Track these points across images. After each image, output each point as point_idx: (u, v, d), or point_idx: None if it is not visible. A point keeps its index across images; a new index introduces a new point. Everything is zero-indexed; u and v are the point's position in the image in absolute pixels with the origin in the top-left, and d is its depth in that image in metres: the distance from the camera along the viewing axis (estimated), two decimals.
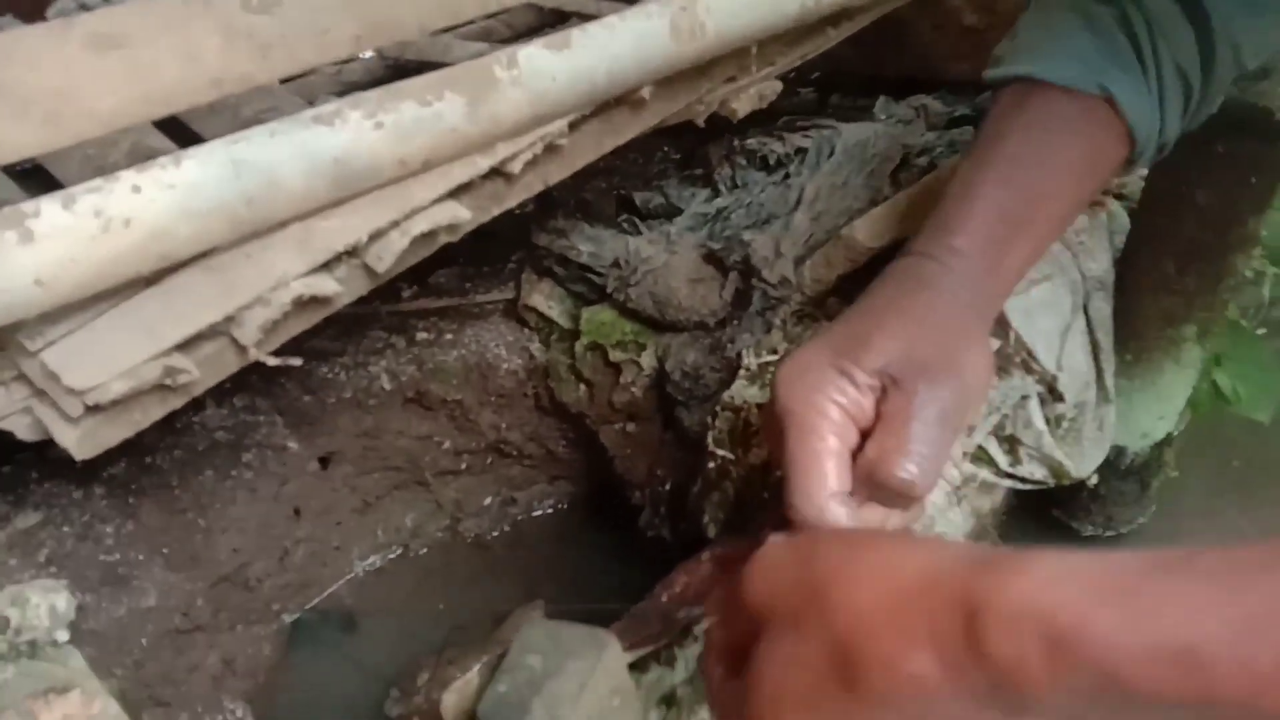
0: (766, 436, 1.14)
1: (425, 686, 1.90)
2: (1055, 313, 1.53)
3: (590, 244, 1.87)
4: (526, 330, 2.01)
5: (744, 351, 1.52)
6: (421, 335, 2.04)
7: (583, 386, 1.86)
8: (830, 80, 2.55)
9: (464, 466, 2.13)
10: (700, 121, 1.87)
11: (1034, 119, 1.05)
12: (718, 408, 1.46)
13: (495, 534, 2.18)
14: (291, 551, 1.90)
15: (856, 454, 0.89)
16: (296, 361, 1.39)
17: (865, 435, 0.91)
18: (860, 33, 2.00)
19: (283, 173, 1.21)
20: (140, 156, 1.45)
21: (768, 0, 1.61)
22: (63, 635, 1.41)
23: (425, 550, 2.15)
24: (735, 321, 1.58)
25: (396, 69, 1.85)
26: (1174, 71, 1.06)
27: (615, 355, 1.77)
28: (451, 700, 1.29)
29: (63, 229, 1.07)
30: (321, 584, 2.02)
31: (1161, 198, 1.56)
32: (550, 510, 2.22)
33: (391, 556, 2.13)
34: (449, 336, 2.05)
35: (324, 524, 1.97)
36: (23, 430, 1.29)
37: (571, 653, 1.21)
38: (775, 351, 1.52)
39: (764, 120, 2.19)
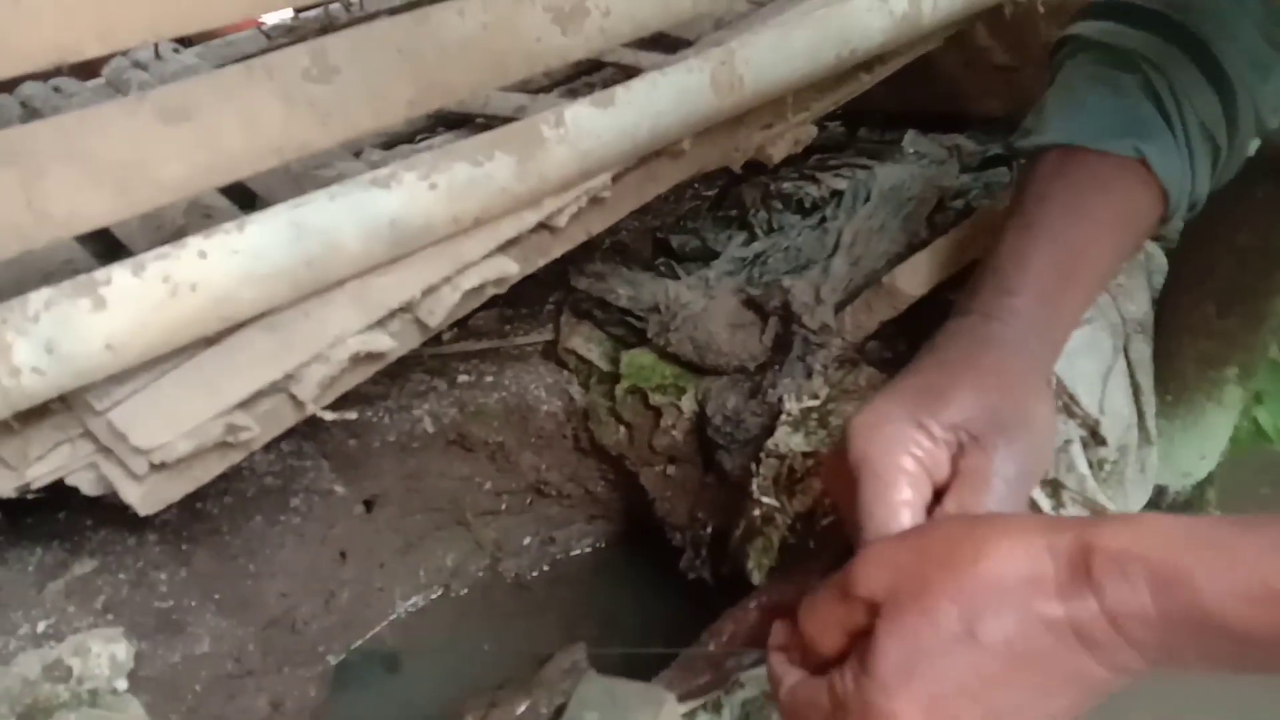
0: (830, 485, 1.15)
1: None
2: (1096, 356, 1.54)
3: (629, 287, 1.90)
4: (565, 372, 2.03)
5: (785, 397, 1.53)
6: (463, 378, 2.07)
7: (623, 429, 1.88)
8: (858, 115, 2.58)
9: (504, 507, 2.15)
10: (737, 167, 1.90)
11: (1074, 181, 1.09)
12: (762, 454, 1.48)
13: (535, 574, 2.20)
14: (337, 594, 1.92)
15: (930, 508, 0.91)
16: (352, 415, 1.42)
17: (937, 489, 0.90)
18: None
19: (341, 235, 1.25)
20: (199, 216, 1.49)
21: (804, 52, 1.64)
22: (122, 684, 1.44)
23: (466, 590, 2.17)
24: (776, 367, 1.60)
25: (439, 119, 1.90)
26: (1200, 132, 1.11)
27: (655, 399, 1.79)
28: None
29: (133, 295, 1.11)
30: (365, 625, 2.04)
31: (1201, 241, 1.56)
32: (589, 550, 2.24)
33: (433, 596, 2.15)
34: (489, 379, 2.08)
35: (368, 566, 2.00)
36: (87, 485, 1.33)
37: (629, 709, 1.22)
38: (816, 397, 1.54)
39: (795, 158, 2.22)
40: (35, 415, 1.25)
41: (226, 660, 1.61)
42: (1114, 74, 1.12)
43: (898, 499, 0.86)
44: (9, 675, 1.38)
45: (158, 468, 1.21)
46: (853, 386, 1.51)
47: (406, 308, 1.37)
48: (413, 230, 1.30)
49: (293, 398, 1.30)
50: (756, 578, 1.52)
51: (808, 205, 1.92)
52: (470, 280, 1.41)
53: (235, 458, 1.30)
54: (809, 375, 1.55)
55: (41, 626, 1.56)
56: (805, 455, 1.43)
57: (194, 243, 1.14)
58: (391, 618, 2.10)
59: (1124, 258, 1.13)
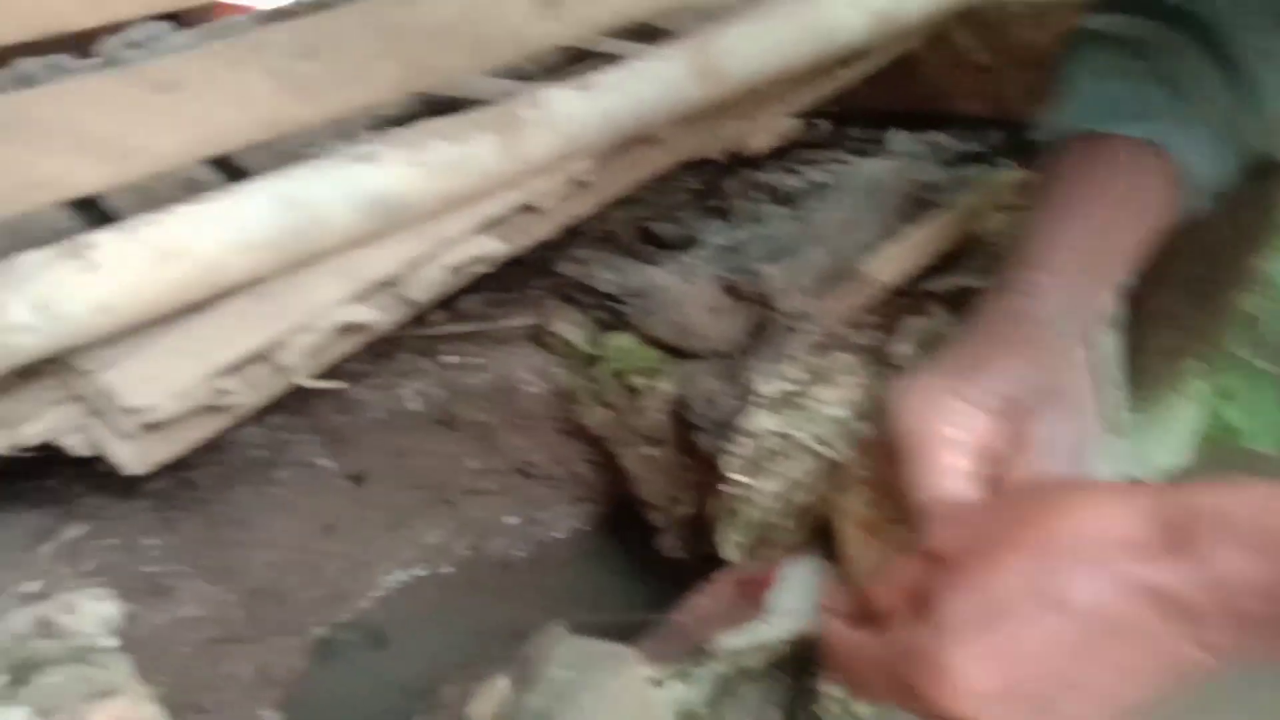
0: (873, 464, 1.16)
1: (451, 701, 1.95)
2: None
3: (612, 273, 1.94)
4: (549, 355, 2.07)
5: (756, 379, 1.58)
6: (449, 359, 2.12)
7: (604, 410, 1.93)
8: (845, 114, 2.62)
9: (488, 486, 2.19)
10: (719, 156, 1.95)
11: (1093, 165, 1.12)
12: (733, 434, 1.52)
13: (518, 554, 2.25)
14: (323, 567, 1.97)
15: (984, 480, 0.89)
16: (340, 385, 1.47)
17: (987, 462, 0.89)
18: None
19: (327, 208, 1.29)
20: (190, 190, 1.54)
21: (783, 44, 1.69)
22: (110, 641, 1.48)
23: (451, 569, 2.21)
24: (750, 352, 1.64)
25: (427, 104, 1.94)
26: (1215, 118, 1.13)
27: (636, 381, 1.83)
28: (481, 709, 1.35)
29: (123, 259, 1.16)
30: (351, 599, 2.09)
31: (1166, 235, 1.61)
32: (572, 531, 2.28)
33: (418, 573, 2.20)
34: (476, 360, 2.12)
35: (355, 541, 2.04)
36: (78, 446, 1.38)
37: (596, 666, 1.27)
38: (791, 381, 1.58)
39: (780, 154, 2.27)
40: (27, 376, 1.30)
41: (213, 625, 1.66)
42: (1126, 62, 1.13)
43: (944, 463, 0.86)
44: (2, 632, 1.43)
45: (147, 428, 1.25)
46: (824, 371, 1.55)
47: (392, 282, 1.42)
48: (396, 206, 1.35)
49: (279, 365, 1.35)
50: (729, 554, 1.56)
51: (787, 196, 1.97)
52: (454, 257, 1.45)
53: (223, 422, 1.35)
54: (782, 360, 1.59)
55: (33, 587, 1.60)
56: (778, 435, 1.47)
57: (183, 209, 1.19)
58: (376, 593, 2.15)
59: (1149, 240, 1.16)
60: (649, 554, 2.13)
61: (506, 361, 2.16)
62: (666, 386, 1.80)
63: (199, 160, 1.22)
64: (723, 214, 2.11)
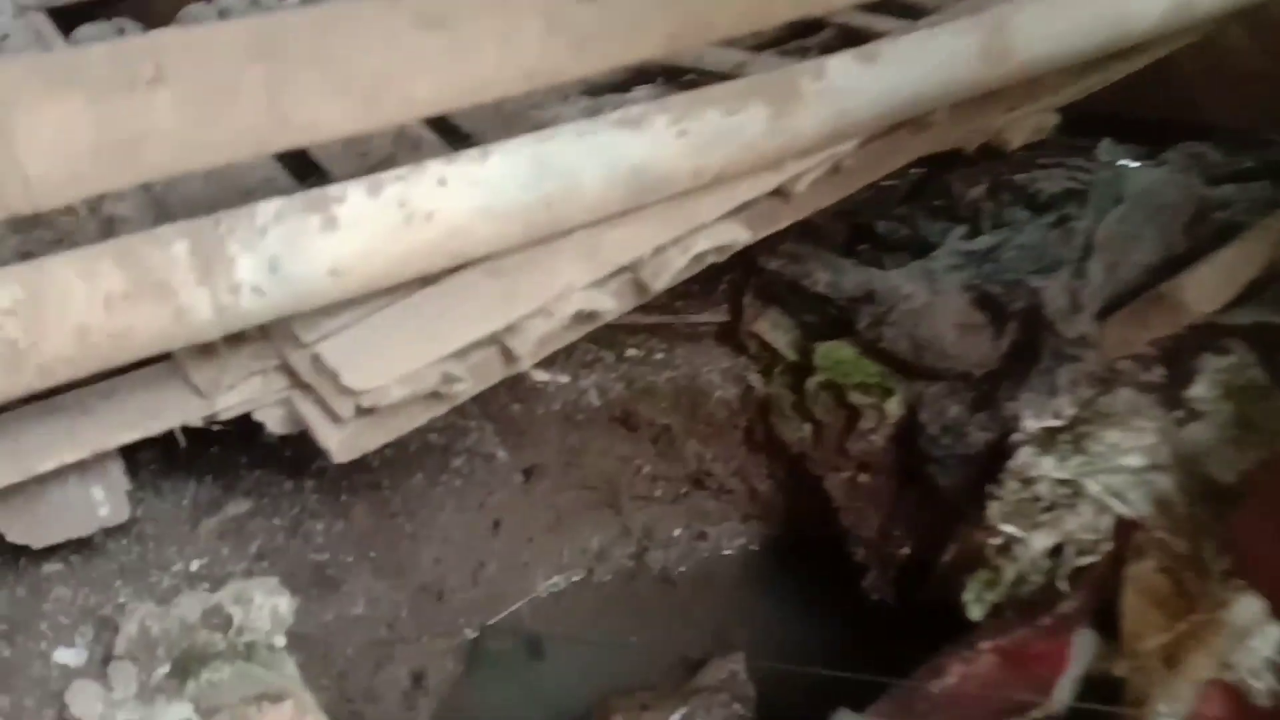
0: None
1: None
2: None
3: (828, 272, 1.74)
4: (743, 358, 1.88)
5: (1024, 414, 1.36)
6: (631, 352, 1.94)
7: (809, 427, 1.73)
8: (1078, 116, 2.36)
9: (658, 494, 2.01)
10: (971, 150, 1.73)
11: None
12: (1001, 475, 1.31)
13: (682, 569, 2.06)
14: (486, 565, 1.81)
15: None
16: (564, 378, 1.30)
17: None
18: None
19: (582, 176, 1.11)
20: (407, 146, 1.38)
21: (1079, 28, 1.46)
22: (280, 640, 1.34)
23: (609, 577, 2.04)
24: (1012, 377, 1.42)
25: (639, 74, 1.75)
26: None
27: (854, 398, 1.63)
28: None
29: (366, 218, 0.99)
30: (506, 601, 1.93)
31: None
32: (739, 550, 2.09)
33: (575, 579, 2.03)
34: (659, 356, 1.94)
35: (518, 539, 1.89)
36: (274, 422, 1.22)
37: None
38: (1061, 417, 1.36)
39: (993, 152, 2.04)
40: (234, 341, 1.15)
41: (380, 625, 1.51)
42: None
43: None
44: (169, 617, 1.30)
45: (363, 412, 1.09)
46: (1109, 410, 1.32)
47: (632, 267, 1.23)
48: (653, 179, 1.16)
49: (506, 351, 1.18)
50: (975, 613, 1.35)
51: (1038, 200, 1.73)
52: (700, 244, 1.27)
53: (439, 410, 1.19)
54: (1054, 392, 1.37)
55: (195, 566, 1.47)
56: (1059, 482, 1.25)
57: (434, 168, 1.02)
58: (532, 596, 1.98)
59: None
60: (829, 588, 1.92)
61: (694, 361, 1.97)
62: (893, 407, 1.59)
63: (452, 108, 1.05)
64: (952, 215, 1.88)
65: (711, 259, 1.33)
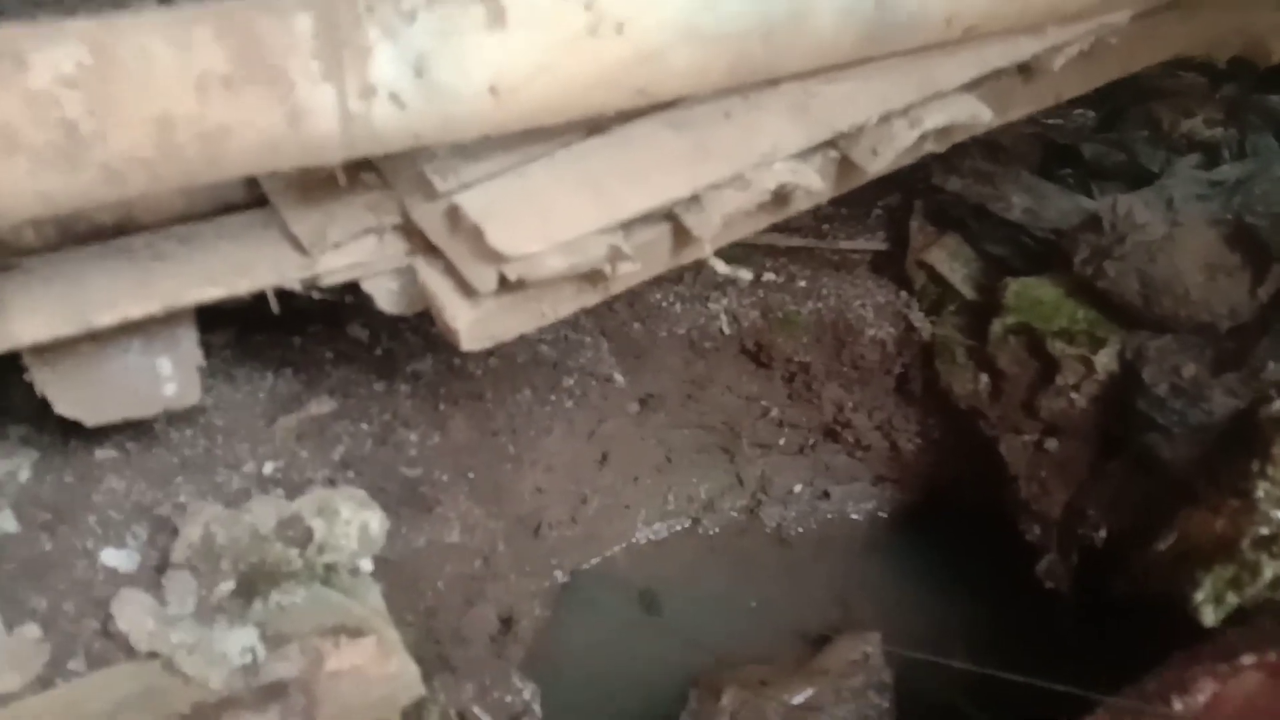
0: None
1: (732, 710, 1.54)
2: None
3: (1026, 196, 1.47)
4: (904, 294, 1.61)
5: None
6: (769, 276, 1.68)
7: (985, 378, 1.46)
8: None
9: (781, 442, 1.76)
10: (1221, 61, 1.44)
11: None
12: (1275, 450, 1.03)
13: (799, 529, 1.82)
14: (588, 501, 1.58)
15: None
16: (747, 274, 1.05)
17: None
18: None
19: (818, 4, 0.85)
20: None
21: None
22: (366, 564, 1.12)
23: (716, 530, 1.81)
24: (1270, 333, 1.14)
25: None
26: None
27: (1055, 347, 1.36)
28: None
29: (543, 17, 0.74)
30: (602, 545, 1.70)
31: None
32: (866, 515, 1.84)
33: (678, 529, 1.79)
34: (801, 284, 1.67)
35: (624, 477, 1.65)
36: (387, 298, 0.99)
37: None
38: None
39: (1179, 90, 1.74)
40: (344, 188, 0.92)
41: (474, 558, 1.29)
42: None
43: None
44: (238, 524, 1.08)
45: (505, 288, 0.85)
46: None
47: (848, 138, 0.97)
48: (898, 21, 0.90)
49: (681, 230, 0.93)
50: (1210, 617, 1.09)
51: None
52: (933, 118, 0.99)
53: (590, 299, 0.94)
54: None
55: (269, 468, 1.26)
56: None
57: None
58: (629, 542, 1.76)
59: None
60: (976, 569, 1.66)
61: (843, 292, 1.71)
62: (1105, 361, 1.32)
63: None
64: (1169, 144, 1.59)
65: (930, 146, 1.06)
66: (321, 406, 1.37)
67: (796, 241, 1.76)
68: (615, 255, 0.85)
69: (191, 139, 0.68)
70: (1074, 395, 1.35)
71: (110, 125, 0.65)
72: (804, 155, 0.96)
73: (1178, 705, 0.97)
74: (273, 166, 0.73)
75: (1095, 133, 1.70)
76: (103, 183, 0.67)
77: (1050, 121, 1.76)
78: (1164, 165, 1.49)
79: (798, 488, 1.82)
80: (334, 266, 0.92)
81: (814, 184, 0.94)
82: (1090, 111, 1.83)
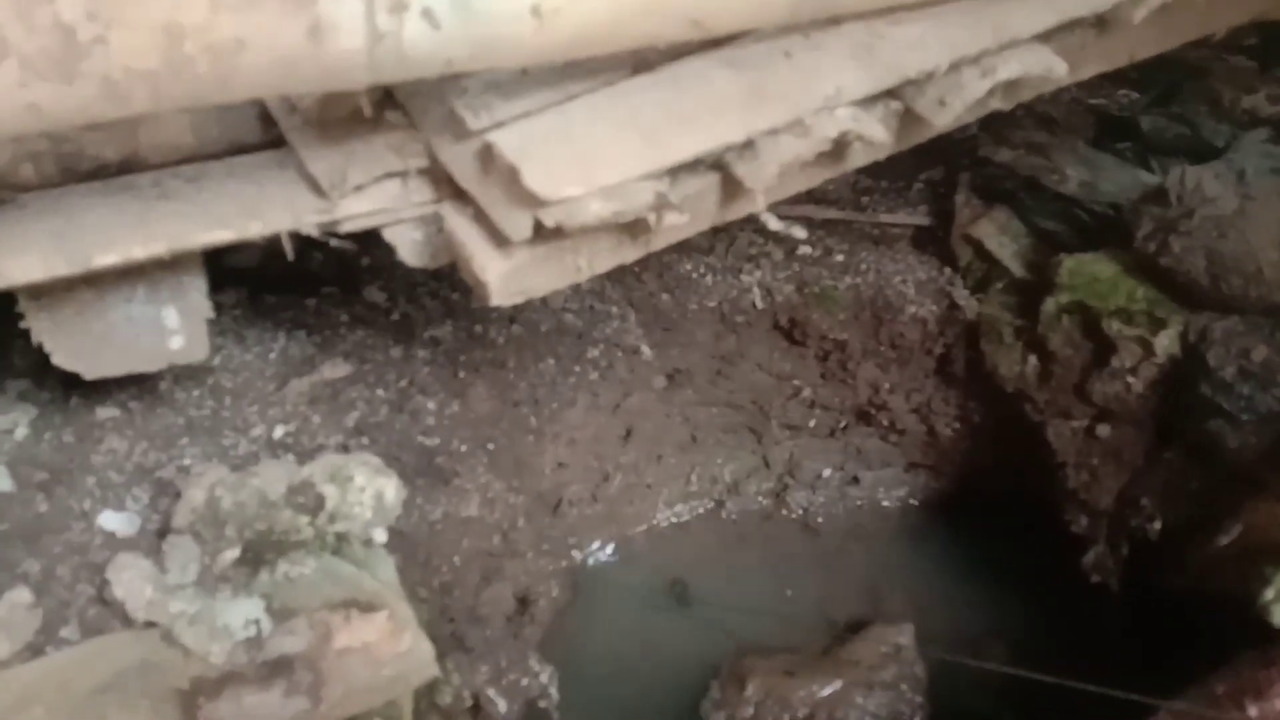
0: None
1: (757, 700, 1.47)
2: None
3: (1082, 169, 1.39)
4: (949, 270, 1.54)
5: None
6: (804, 250, 1.61)
7: (1034, 359, 1.39)
8: None
9: (812, 424, 1.69)
10: None
11: None
12: None
13: (825, 516, 1.74)
14: (610, 479, 1.52)
15: None
16: (800, 233, 0.98)
17: None
18: None
19: None
20: None
21: None
22: (380, 535, 1.06)
23: (737, 515, 1.73)
24: None
25: None
26: None
27: (1112, 327, 1.28)
28: None
29: None
30: (623, 525, 1.63)
31: None
32: (898, 503, 1.76)
33: (700, 511, 1.73)
34: (839, 258, 1.60)
35: (648, 454, 1.58)
36: (407, 247, 0.91)
37: None
38: None
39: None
40: (367, 126, 0.84)
41: (493, 533, 1.22)
42: None
43: None
44: (245, 488, 1.02)
45: (541, 236, 0.78)
46: None
47: (914, 86, 0.90)
48: None
49: (731, 181, 0.85)
50: (1279, 616, 1.01)
51: None
52: (1006, 68, 0.92)
53: (632, 253, 0.87)
54: None
55: (280, 432, 1.19)
56: None
57: None
58: (650, 524, 1.69)
59: None
60: (1014, 560, 1.58)
61: (883, 268, 1.62)
62: (1166, 343, 1.24)
63: None
64: (1225, 117, 1.50)
65: (997, 103, 0.98)
66: (335, 370, 1.31)
67: (834, 213, 1.68)
68: (661, 203, 0.77)
69: (201, 51, 0.61)
70: (1130, 379, 1.27)
71: (111, 31, 0.58)
72: (865, 104, 0.88)
73: (1252, 711, 0.90)
74: (290, 89, 0.66)
75: (1150, 108, 1.62)
76: (102, 98, 0.60)
77: (1094, 101, 1.69)
78: (1228, 140, 1.41)
79: (826, 472, 1.75)
80: (354, 211, 0.85)
81: (877, 134, 0.87)
82: (1134, 93, 1.75)
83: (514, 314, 1.42)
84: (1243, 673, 0.96)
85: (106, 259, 0.80)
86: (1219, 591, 1.14)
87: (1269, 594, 1.05)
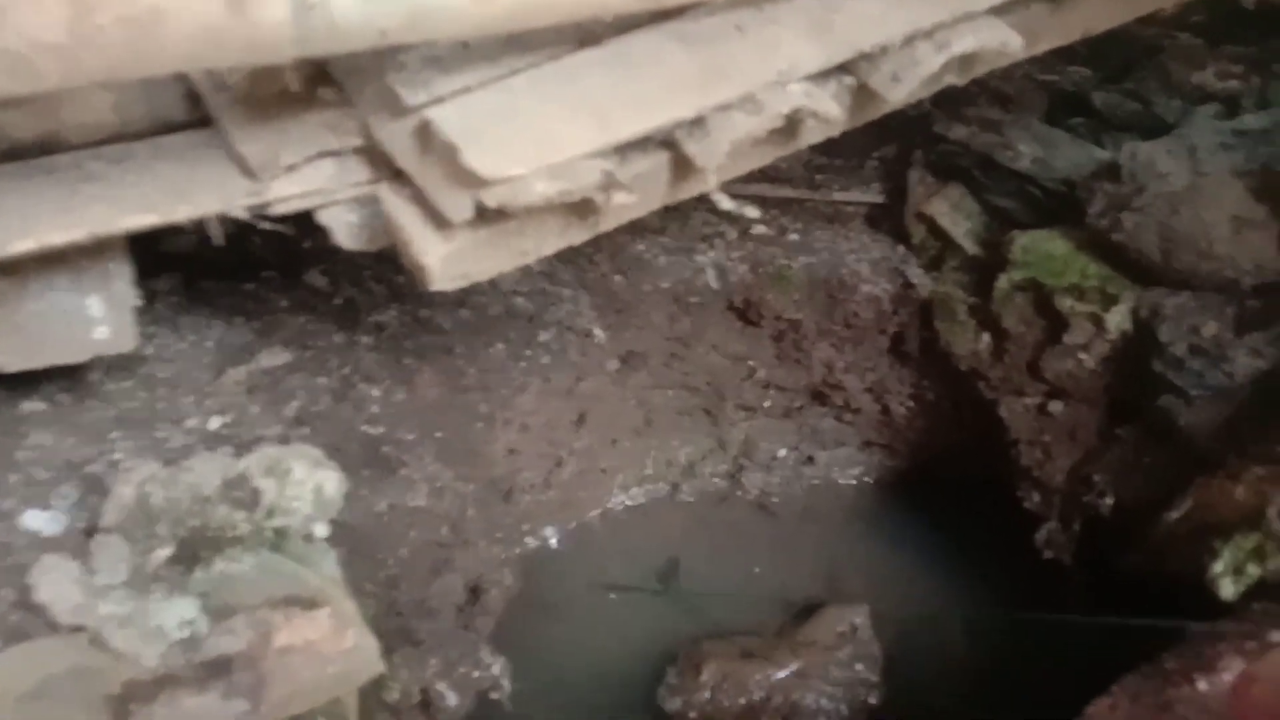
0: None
1: (714, 684, 1.46)
2: None
3: (1035, 146, 1.39)
4: (903, 248, 1.53)
5: None
6: (759, 229, 1.59)
7: (987, 337, 1.39)
8: None
9: (767, 404, 1.68)
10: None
11: None
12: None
13: (781, 497, 1.73)
14: (563, 464, 1.49)
15: None
16: (754, 212, 0.95)
17: None
18: None
19: None
20: None
21: None
22: (321, 529, 1.02)
23: (694, 498, 1.72)
24: None
25: None
26: None
27: (1064, 303, 1.28)
28: None
29: None
30: (576, 510, 1.61)
31: None
32: (852, 482, 1.76)
33: (656, 495, 1.71)
34: (793, 237, 1.58)
35: (602, 439, 1.56)
36: (344, 232, 0.88)
37: None
38: None
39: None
40: (298, 103, 0.80)
41: (442, 524, 1.19)
42: None
43: None
44: (177, 484, 0.97)
45: (483, 218, 0.75)
46: None
47: (868, 61, 0.87)
48: None
49: (682, 160, 0.83)
50: (1228, 590, 1.02)
51: None
52: (962, 42, 0.90)
53: (580, 235, 0.84)
54: None
55: (216, 424, 1.15)
56: None
57: None
58: (604, 508, 1.67)
59: None
60: (968, 538, 1.59)
61: (837, 247, 1.61)
62: (1117, 319, 1.24)
63: None
64: (1178, 93, 1.51)
65: (952, 78, 0.97)
66: (274, 358, 1.26)
67: (788, 192, 1.66)
68: (609, 182, 0.74)
69: (114, 22, 0.56)
70: (1083, 355, 1.28)
71: (12, 2, 0.54)
72: (819, 80, 0.86)
73: (1202, 685, 0.90)
74: (213, 62, 0.62)
75: (1103, 84, 1.62)
76: (5, 72, 0.56)
77: (1047, 78, 1.69)
78: (1180, 116, 1.41)
79: (782, 453, 1.74)
80: (286, 193, 0.81)
81: (830, 110, 0.85)
82: (1087, 70, 1.75)
83: (462, 298, 1.39)
84: (1193, 648, 0.96)
85: (23, 246, 0.75)
86: (1173, 568, 1.15)
87: (1218, 567, 1.06)
